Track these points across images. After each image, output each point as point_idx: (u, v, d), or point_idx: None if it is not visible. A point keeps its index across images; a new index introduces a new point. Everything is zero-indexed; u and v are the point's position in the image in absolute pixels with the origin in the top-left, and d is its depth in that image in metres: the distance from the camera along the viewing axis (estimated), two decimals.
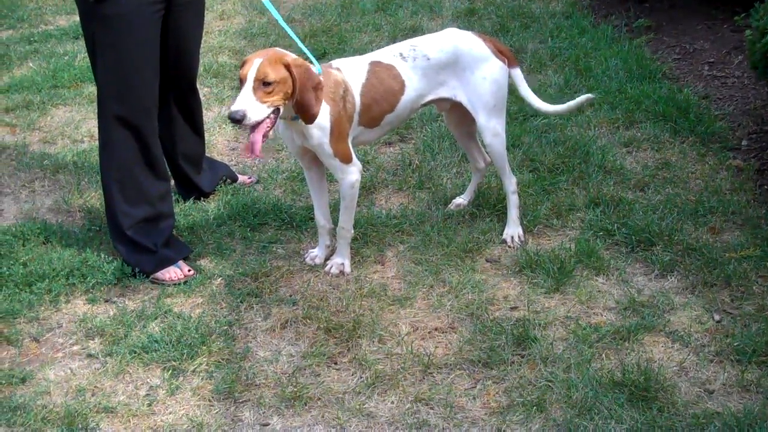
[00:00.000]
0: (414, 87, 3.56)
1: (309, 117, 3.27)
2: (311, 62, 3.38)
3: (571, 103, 3.85)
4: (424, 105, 3.71)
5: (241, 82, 3.18)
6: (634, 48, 5.63)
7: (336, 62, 3.55)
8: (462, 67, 3.59)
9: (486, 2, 6.82)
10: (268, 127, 3.21)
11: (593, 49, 5.66)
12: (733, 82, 5.16)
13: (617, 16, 6.28)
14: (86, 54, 6.01)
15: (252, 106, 3.14)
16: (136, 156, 3.66)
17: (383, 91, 3.51)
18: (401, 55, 3.56)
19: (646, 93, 4.96)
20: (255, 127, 3.18)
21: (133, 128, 3.60)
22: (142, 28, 3.51)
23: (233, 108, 3.13)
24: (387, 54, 3.59)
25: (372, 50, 5.66)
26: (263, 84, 3.15)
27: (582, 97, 3.84)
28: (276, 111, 3.22)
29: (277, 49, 3.31)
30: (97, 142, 4.84)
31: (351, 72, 3.49)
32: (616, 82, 5.16)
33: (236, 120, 3.13)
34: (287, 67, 3.20)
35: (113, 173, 3.66)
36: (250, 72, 3.15)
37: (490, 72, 3.59)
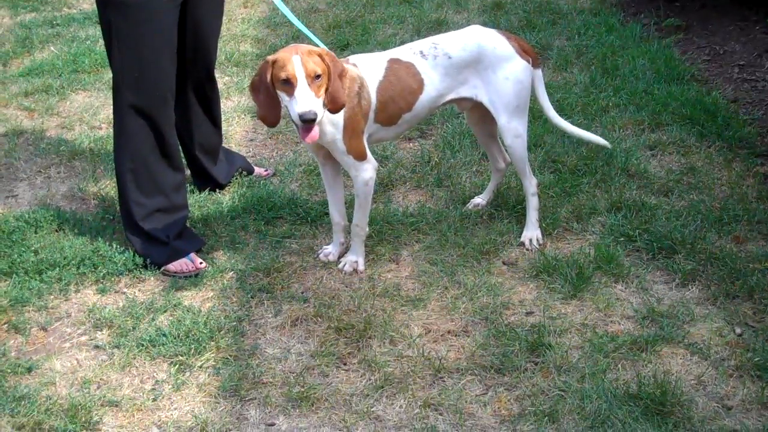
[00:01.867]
0: (434, 86, 3.48)
1: (338, 106, 3.20)
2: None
3: (583, 133, 3.81)
4: (445, 104, 3.63)
5: (288, 82, 3.08)
6: (662, 48, 5.52)
7: (353, 58, 3.48)
8: (484, 66, 3.51)
9: None
10: None
11: (621, 48, 5.55)
12: (763, 86, 5.04)
13: (646, 15, 6.16)
14: None
15: (316, 102, 3.08)
16: (152, 146, 3.61)
17: (401, 89, 3.44)
18: (422, 53, 3.48)
19: (674, 95, 4.85)
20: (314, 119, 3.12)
21: (149, 118, 3.55)
22: (159, 17, 3.45)
23: (302, 108, 3.04)
24: (407, 51, 3.51)
25: (395, 43, 5.65)
26: (315, 78, 3.09)
27: (598, 139, 3.82)
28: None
29: (299, 44, 3.23)
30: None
31: (368, 68, 3.42)
32: (643, 82, 5.05)
33: (311, 120, 3.06)
34: (321, 57, 3.14)
35: (127, 163, 3.62)
36: (298, 69, 3.07)
37: (514, 72, 3.50)
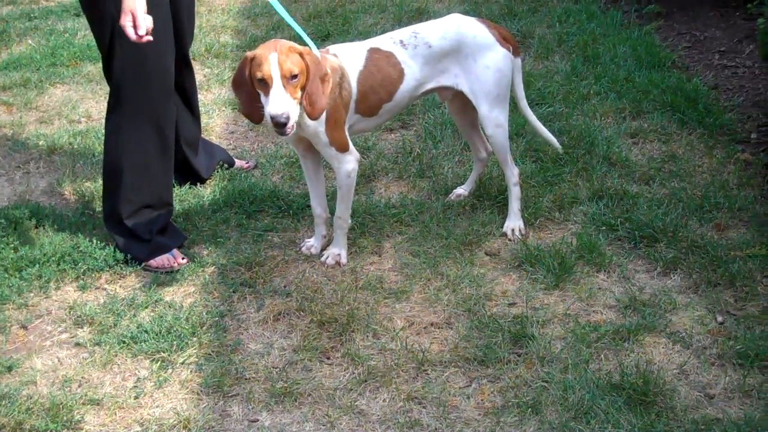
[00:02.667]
0: (414, 75, 3.47)
1: (316, 110, 3.16)
2: (309, 47, 3.28)
3: (543, 132, 3.83)
4: (425, 93, 3.61)
5: (263, 81, 3.05)
6: (643, 35, 5.51)
7: (333, 48, 3.46)
8: (465, 55, 3.50)
9: None
10: None
11: (602, 35, 5.54)
12: (743, 72, 5.05)
13: (627, 2, 6.14)
14: (86, 32, 6.00)
15: (290, 104, 3.04)
16: (154, 144, 3.55)
17: (381, 79, 3.42)
18: (401, 42, 3.47)
19: (655, 82, 4.85)
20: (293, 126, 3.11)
21: (154, 115, 3.50)
22: (162, 8, 3.40)
23: (274, 110, 3.01)
24: (386, 41, 3.49)
25: (377, 32, 5.62)
26: (291, 78, 3.05)
27: (554, 141, 3.85)
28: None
29: (280, 40, 3.20)
30: (94, 123, 4.84)
31: (348, 58, 3.39)
32: (624, 70, 5.05)
33: (282, 124, 3.03)
34: (301, 56, 3.10)
35: (124, 160, 3.53)
36: (273, 69, 3.03)
37: (494, 60, 3.49)
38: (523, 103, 3.74)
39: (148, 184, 3.59)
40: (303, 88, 3.12)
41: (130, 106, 3.48)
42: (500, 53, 3.51)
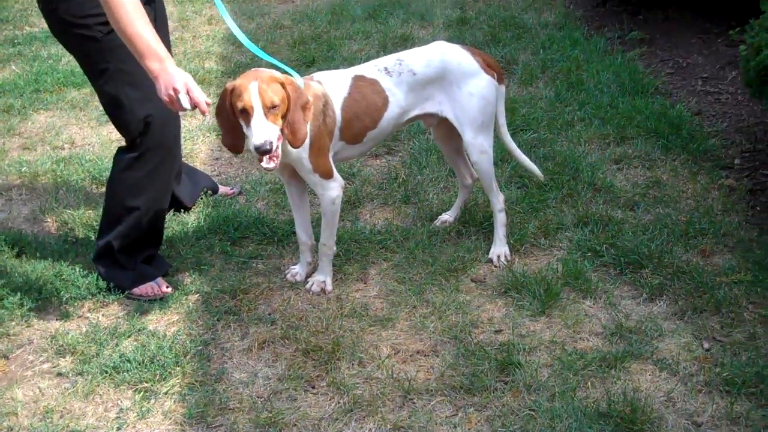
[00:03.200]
0: (398, 103, 3.47)
1: (297, 139, 3.15)
2: (290, 75, 3.27)
3: (525, 161, 3.83)
4: (410, 121, 3.61)
5: (245, 111, 3.04)
6: (627, 61, 5.56)
7: (318, 75, 3.46)
8: (449, 82, 3.50)
9: (478, 12, 6.74)
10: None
11: (585, 62, 5.58)
12: (726, 98, 5.08)
13: (610, 28, 6.21)
14: (71, 57, 5.97)
15: (272, 132, 3.03)
16: (155, 191, 3.52)
17: (366, 106, 3.41)
18: (386, 69, 3.47)
19: (638, 108, 4.88)
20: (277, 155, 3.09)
21: (168, 150, 3.49)
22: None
23: (257, 141, 2.99)
24: (371, 68, 3.49)
25: (361, 59, 5.63)
26: (271, 108, 3.04)
27: (535, 170, 3.85)
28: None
29: (260, 69, 3.20)
30: (77, 150, 4.81)
31: (333, 86, 3.39)
32: (608, 96, 5.08)
33: (267, 151, 3.01)
34: (282, 86, 3.10)
35: (131, 199, 3.48)
36: (254, 99, 3.02)
37: (478, 87, 3.50)
38: (504, 131, 3.74)
39: (146, 223, 3.55)
40: (284, 117, 3.11)
41: (145, 152, 3.44)
42: (485, 80, 3.51)
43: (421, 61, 3.49)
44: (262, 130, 3.01)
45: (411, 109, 3.52)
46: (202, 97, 3.04)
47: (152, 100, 3.26)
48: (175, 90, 2.98)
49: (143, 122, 3.36)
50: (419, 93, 3.50)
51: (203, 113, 3.07)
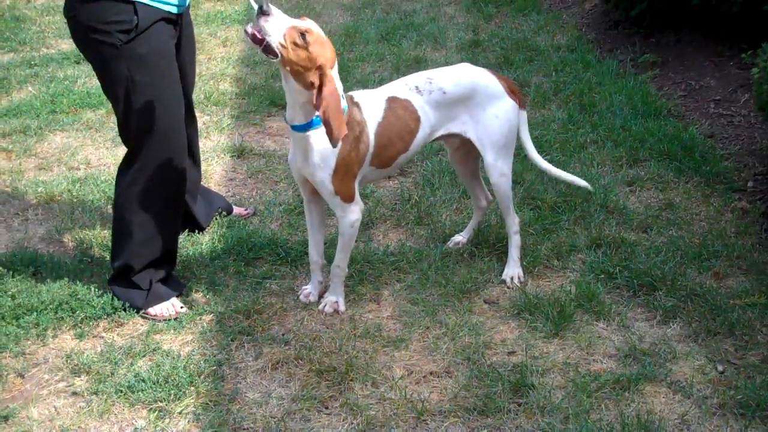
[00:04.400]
0: (429, 122, 3.48)
1: (333, 138, 3.11)
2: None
3: (565, 175, 3.83)
4: (435, 140, 3.62)
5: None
6: (639, 84, 5.57)
7: (357, 95, 3.44)
8: (475, 103, 3.52)
9: (490, 34, 6.77)
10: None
11: (597, 84, 5.60)
12: (739, 121, 5.09)
13: (622, 51, 6.23)
14: (86, 79, 6.05)
15: (279, 25, 3.02)
16: (163, 205, 3.55)
17: (399, 129, 3.42)
18: (417, 88, 3.47)
19: (651, 130, 4.89)
20: (261, 42, 3.06)
21: (173, 169, 3.51)
22: (172, 63, 3.44)
23: (272, 4, 3.02)
24: (402, 87, 3.49)
25: (375, 81, 5.67)
26: (302, 36, 3.04)
27: (580, 181, 3.84)
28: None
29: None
30: (93, 170, 4.85)
31: (369, 109, 3.38)
32: (621, 118, 5.10)
33: (260, 8, 3.01)
34: (321, 70, 3.08)
35: (136, 216, 3.52)
36: (310, 22, 3.09)
37: (503, 110, 3.52)
38: (535, 155, 3.76)
39: (157, 239, 3.57)
40: (295, 71, 3.10)
41: (147, 164, 3.47)
42: (509, 104, 3.54)
43: (451, 80, 3.51)
44: (280, 15, 3.04)
45: (438, 129, 3.54)
46: None
47: (161, 112, 3.34)
48: None
49: (149, 133, 3.41)
50: (445, 113, 3.51)
51: None
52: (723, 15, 5.73)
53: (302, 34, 3.05)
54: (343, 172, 3.33)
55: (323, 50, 3.10)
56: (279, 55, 3.06)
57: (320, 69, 3.08)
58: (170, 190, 3.57)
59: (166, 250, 3.64)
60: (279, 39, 3.04)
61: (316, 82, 3.09)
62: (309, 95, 3.15)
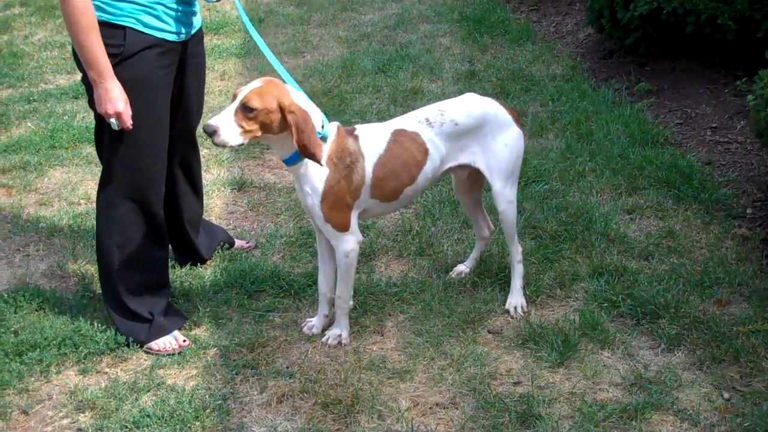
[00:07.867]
0: (439, 154, 3.49)
1: (314, 159, 3.19)
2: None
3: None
4: (444, 173, 3.63)
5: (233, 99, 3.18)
6: (635, 112, 5.61)
7: (359, 128, 3.46)
8: (485, 133, 3.54)
9: (486, 65, 6.82)
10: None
11: (594, 113, 5.64)
12: (736, 148, 5.12)
13: (618, 80, 6.28)
14: (85, 114, 6.07)
15: (227, 126, 3.11)
16: (141, 227, 3.57)
17: (403, 162, 3.43)
18: (427, 120, 3.49)
19: (649, 158, 4.92)
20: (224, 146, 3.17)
21: (141, 202, 3.53)
22: (157, 92, 3.46)
23: (210, 120, 3.12)
24: (412, 120, 3.50)
25: (372, 112, 5.70)
26: (246, 108, 3.11)
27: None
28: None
29: (288, 86, 3.27)
30: (93, 205, 4.83)
31: (368, 142, 3.40)
32: (618, 146, 5.13)
33: (207, 133, 3.12)
34: (281, 108, 3.15)
35: (115, 238, 3.56)
36: (241, 93, 3.15)
37: (512, 139, 3.55)
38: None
39: (141, 263, 3.59)
40: (266, 128, 3.17)
41: (118, 183, 3.51)
42: (517, 132, 3.58)
43: (462, 111, 3.52)
44: (220, 118, 3.12)
45: (448, 161, 3.55)
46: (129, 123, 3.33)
47: (134, 139, 3.42)
48: (107, 114, 3.28)
49: (120, 154, 3.45)
50: (456, 144, 3.52)
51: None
52: (717, 43, 5.80)
53: (245, 107, 3.12)
54: (332, 200, 3.34)
55: (271, 95, 3.15)
56: (250, 138, 3.19)
57: (280, 108, 3.16)
58: (143, 216, 3.57)
59: (154, 278, 3.65)
60: (238, 139, 3.16)
61: (285, 120, 3.18)
62: (285, 134, 3.23)
